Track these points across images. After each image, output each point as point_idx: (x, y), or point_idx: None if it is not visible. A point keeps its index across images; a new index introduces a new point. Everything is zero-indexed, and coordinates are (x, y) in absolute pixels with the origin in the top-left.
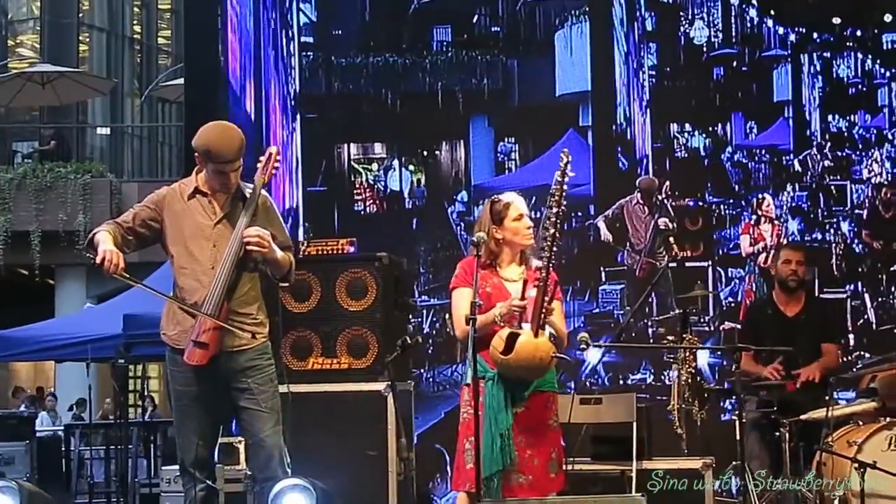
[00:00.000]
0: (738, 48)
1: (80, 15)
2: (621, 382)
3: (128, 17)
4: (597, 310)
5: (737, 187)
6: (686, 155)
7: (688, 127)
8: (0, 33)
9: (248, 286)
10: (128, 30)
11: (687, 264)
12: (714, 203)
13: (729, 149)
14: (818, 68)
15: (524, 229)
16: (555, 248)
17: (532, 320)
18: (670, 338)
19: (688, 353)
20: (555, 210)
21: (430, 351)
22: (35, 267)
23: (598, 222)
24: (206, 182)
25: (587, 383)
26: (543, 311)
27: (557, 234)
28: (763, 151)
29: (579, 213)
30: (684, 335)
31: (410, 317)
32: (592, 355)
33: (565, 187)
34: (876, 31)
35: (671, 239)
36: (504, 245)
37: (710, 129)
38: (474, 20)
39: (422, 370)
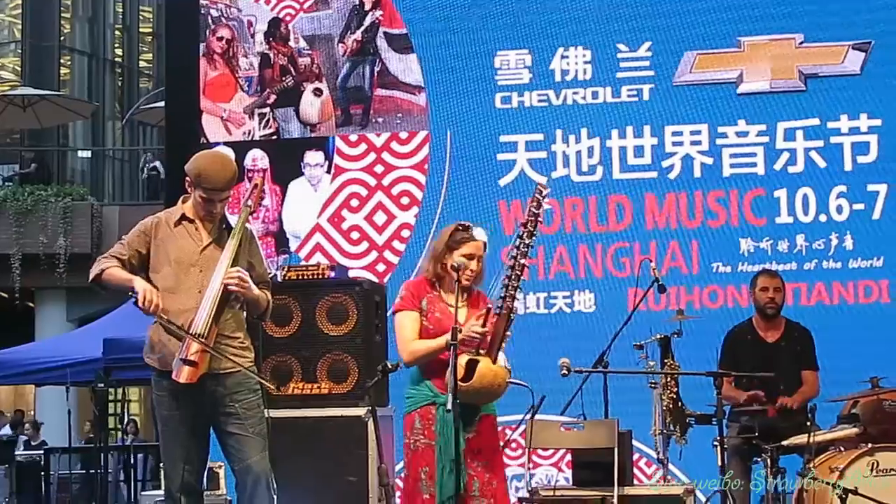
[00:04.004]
0: None
1: (62, 38)
2: None
3: (109, 41)
4: None
5: None
6: None
7: None
8: None
9: (234, 311)
10: (109, 53)
11: None
12: None
13: None
14: None
15: (467, 270)
16: (522, 278)
17: (491, 348)
18: (651, 363)
19: (669, 379)
20: (526, 241)
21: None
22: (15, 290)
23: None
24: (193, 209)
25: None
26: (503, 339)
27: (526, 265)
28: None
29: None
30: (665, 360)
31: None
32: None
33: (541, 217)
34: None
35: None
36: (448, 273)
37: None
38: None
39: None
